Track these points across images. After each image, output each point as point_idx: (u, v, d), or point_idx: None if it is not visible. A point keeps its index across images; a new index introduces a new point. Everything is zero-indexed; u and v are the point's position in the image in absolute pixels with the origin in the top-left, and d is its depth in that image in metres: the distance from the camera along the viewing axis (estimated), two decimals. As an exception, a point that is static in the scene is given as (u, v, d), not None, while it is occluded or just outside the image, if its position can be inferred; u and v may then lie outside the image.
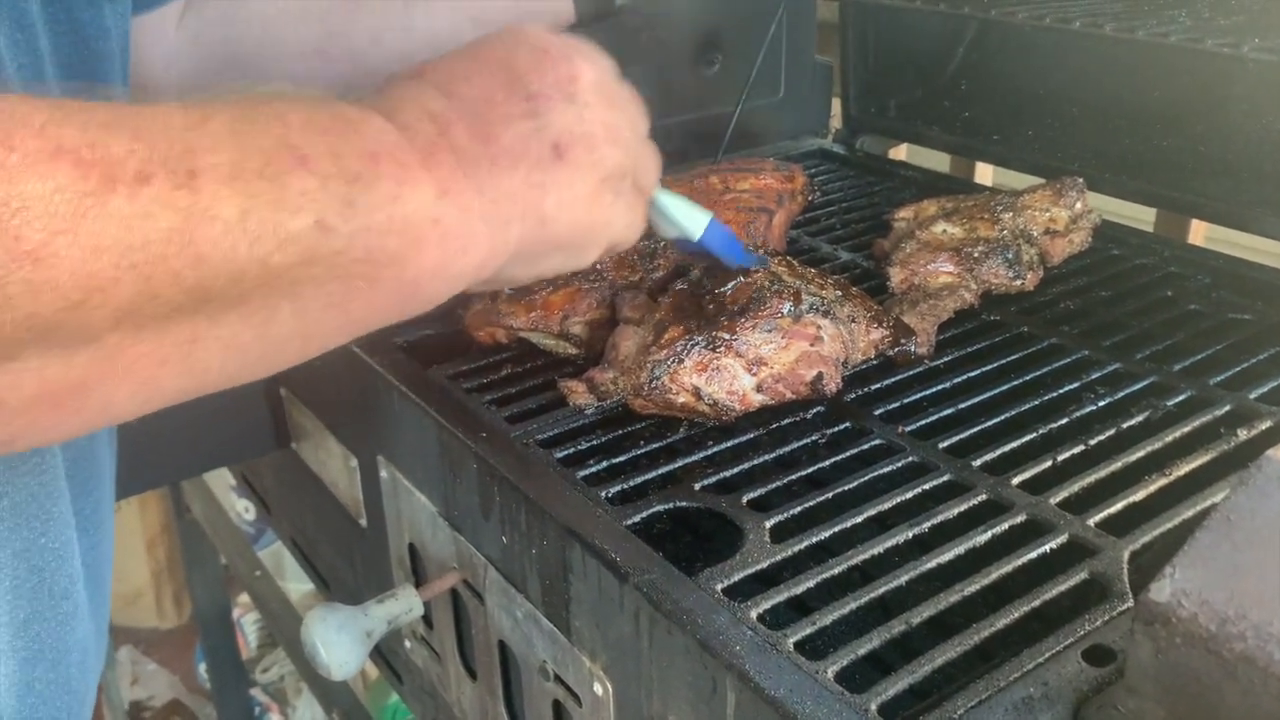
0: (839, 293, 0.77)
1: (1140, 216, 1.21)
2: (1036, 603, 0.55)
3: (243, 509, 1.99)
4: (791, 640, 0.52)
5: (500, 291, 0.83)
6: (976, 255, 0.85)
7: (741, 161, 1.03)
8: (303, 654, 1.18)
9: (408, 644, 0.91)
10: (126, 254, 0.36)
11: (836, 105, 1.34)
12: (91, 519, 0.61)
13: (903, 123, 1.26)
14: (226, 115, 0.41)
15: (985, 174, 1.43)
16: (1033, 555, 0.59)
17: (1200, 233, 1.30)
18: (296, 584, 1.96)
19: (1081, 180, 0.93)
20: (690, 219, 0.69)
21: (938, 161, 1.47)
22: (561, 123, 0.52)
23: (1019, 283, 0.86)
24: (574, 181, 0.53)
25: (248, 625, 2.04)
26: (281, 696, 1.97)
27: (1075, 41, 0.84)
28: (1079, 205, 0.91)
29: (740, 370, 0.70)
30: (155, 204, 0.37)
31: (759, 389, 0.71)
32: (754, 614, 0.54)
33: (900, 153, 1.47)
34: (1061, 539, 0.60)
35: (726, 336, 0.70)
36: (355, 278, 0.44)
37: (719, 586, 0.56)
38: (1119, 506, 0.62)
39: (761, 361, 0.71)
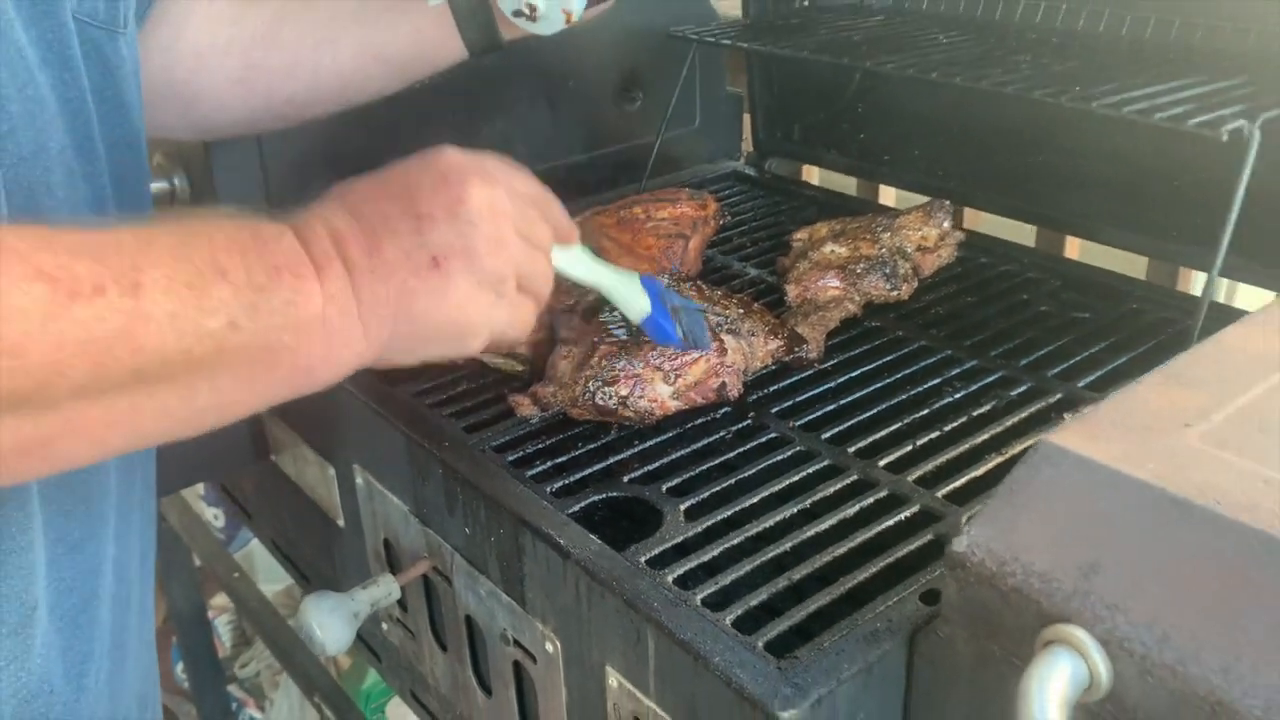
0: (740, 311, 0.91)
1: (1028, 229, 1.36)
2: (891, 559, 0.70)
3: (212, 517, 2.10)
4: (699, 597, 0.67)
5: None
6: (859, 271, 1.00)
7: (660, 192, 1.17)
8: (280, 645, 1.32)
9: (385, 626, 1.04)
10: (83, 346, 0.48)
11: (749, 130, 1.49)
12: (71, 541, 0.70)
13: (805, 146, 1.41)
14: (169, 238, 0.53)
15: (889, 192, 1.59)
16: (891, 522, 0.74)
17: (1076, 244, 1.45)
18: (267, 585, 2.07)
19: (948, 203, 1.09)
20: (631, 309, 0.82)
21: (848, 181, 1.62)
22: (442, 240, 0.62)
23: (896, 293, 1.01)
24: (446, 288, 0.62)
25: (221, 626, 2.15)
26: (258, 691, 2.08)
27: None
28: (946, 224, 1.06)
29: (659, 382, 0.85)
30: (107, 309, 0.48)
31: (675, 396, 0.85)
32: (670, 578, 0.69)
33: (813, 173, 1.62)
34: (915, 508, 0.75)
35: (646, 354, 0.84)
36: (258, 363, 0.56)
37: (643, 559, 0.71)
38: (963, 481, 0.77)
39: (676, 373, 0.85)
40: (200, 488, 2.09)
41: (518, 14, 0.87)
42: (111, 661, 0.73)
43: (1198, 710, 0.48)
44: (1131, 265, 1.27)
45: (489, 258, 0.64)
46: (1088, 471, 0.56)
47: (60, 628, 0.67)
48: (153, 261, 0.51)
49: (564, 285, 0.98)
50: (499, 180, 0.66)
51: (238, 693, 2.08)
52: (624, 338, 0.86)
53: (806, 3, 1.34)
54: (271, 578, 1.98)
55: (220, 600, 2.17)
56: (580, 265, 0.78)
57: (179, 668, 1.96)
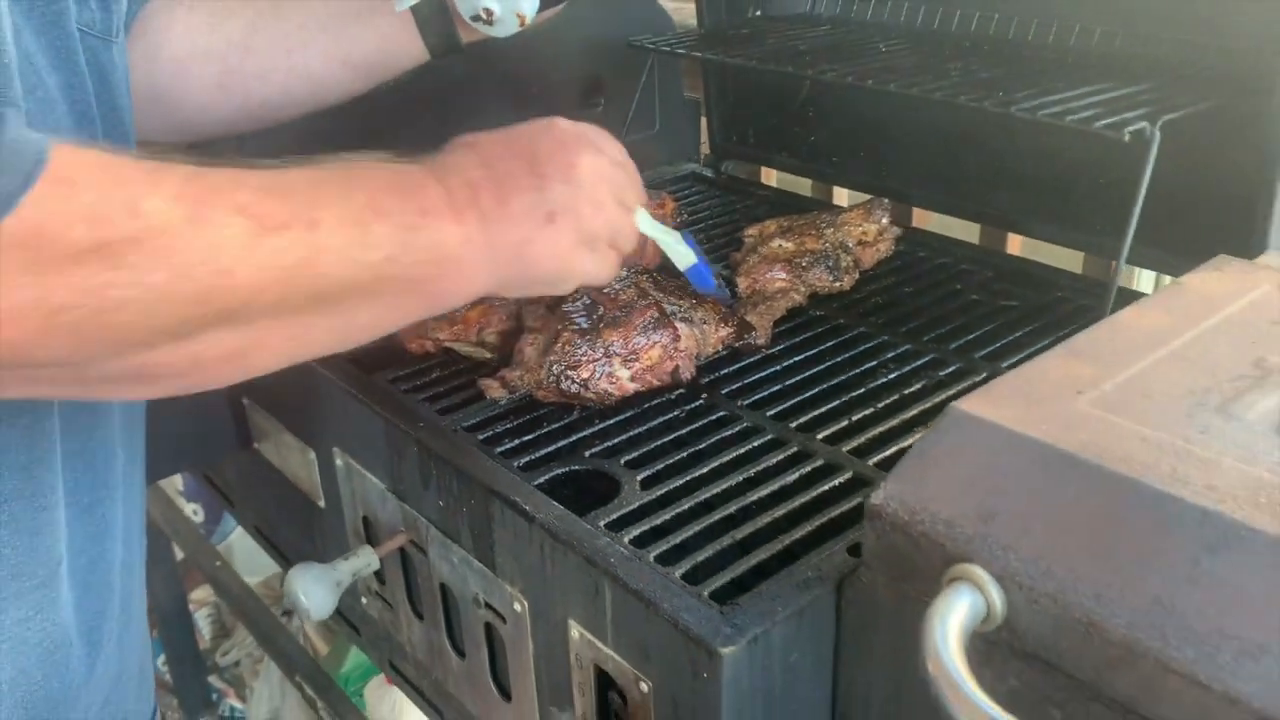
0: (693, 300, 0.99)
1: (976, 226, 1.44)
2: (825, 519, 0.77)
3: (191, 512, 2.16)
4: (652, 555, 0.74)
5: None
6: (805, 264, 1.08)
7: (621, 191, 1.24)
8: (261, 630, 1.39)
9: (364, 600, 1.10)
10: (274, 271, 0.58)
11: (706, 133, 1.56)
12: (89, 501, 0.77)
13: (759, 149, 1.48)
14: (334, 182, 0.64)
15: (842, 192, 1.66)
16: (826, 488, 0.81)
17: (1018, 240, 1.53)
18: (246, 577, 2.12)
19: (886, 201, 1.17)
20: (682, 260, 0.94)
21: (805, 181, 1.69)
22: (557, 198, 0.73)
23: (838, 284, 1.09)
24: (557, 241, 0.74)
25: (200, 619, 2.20)
26: (238, 682, 2.13)
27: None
28: (884, 220, 1.15)
29: (618, 365, 0.92)
30: (292, 241, 0.59)
31: (633, 379, 0.92)
32: (626, 539, 0.76)
33: (771, 174, 1.70)
34: (848, 475, 0.83)
35: (606, 341, 0.92)
36: (405, 292, 0.67)
37: (602, 522, 0.78)
38: (891, 451, 0.85)
39: (634, 358, 0.92)
40: (179, 483, 2.14)
41: (475, 18, 0.93)
42: (120, 624, 0.79)
43: (1074, 630, 0.56)
44: (1074, 259, 1.35)
45: (591, 218, 0.76)
46: (988, 433, 0.64)
47: (75, 586, 0.73)
48: (325, 202, 0.62)
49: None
50: (604, 149, 0.79)
51: (218, 683, 2.13)
52: (585, 326, 0.94)
53: (758, 12, 1.42)
54: (250, 570, 2.03)
55: (199, 594, 2.23)
56: (646, 223, 0.87)
57: (160, 660, 2.01)
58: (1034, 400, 0.66)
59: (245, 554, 2.13)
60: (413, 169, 0.70)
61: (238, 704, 2.13)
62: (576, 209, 0.75)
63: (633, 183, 0.82)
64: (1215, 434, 0.62)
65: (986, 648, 0.61)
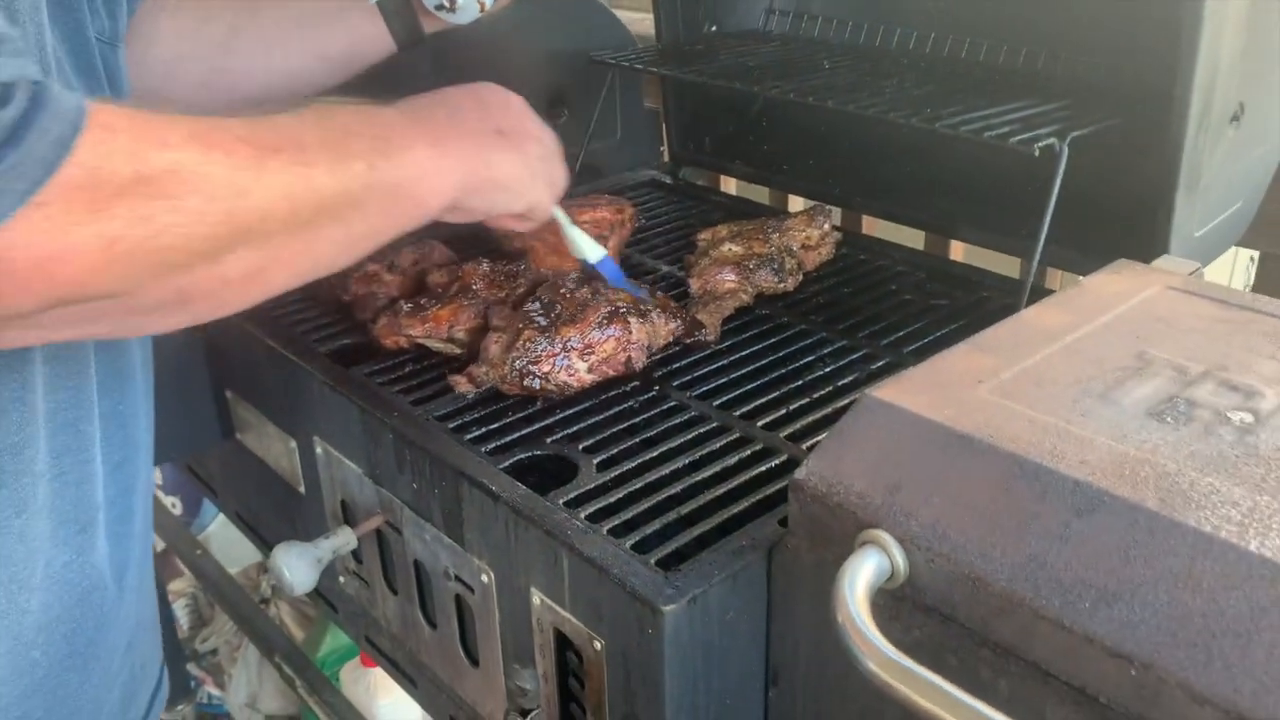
0: (643, 296, 1.07)
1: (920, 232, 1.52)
2: (761, 496, 0.86)
3: (170, 504, 2.22)
4: (605, 528, 0.82)
5: (400, 308, 1.11)
6: (752, 267, 1.17)
7: (583, 199, 1.32)
8: (241, 614, 1.47)
9: (342, 579, 1.18)
10: (281, 187, 0.67)
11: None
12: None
13: (716, 157, 1.57)
14: (310, 115, 0.74)
15: (796, 199, 1.75)
16: (763, 469, 0.90)
17: (960, 246, 1.62)
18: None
19: (828, 208, 1.26)
20: (592, 250, 1.08)
21: (762, 189, 1.78)
22: (504, 121, 0.91)
23: (783, 285, 1.18)
24: (508, 149, 0.90)
25: (178, 609, 2.27)
26: (216, 670, 2.20)
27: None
28: (826, 226, 1.24)
29: (575, 359, 1.00)
30: (289, 162, 0.68)
31: (590, 370, 1.01)
32: (583, 515, 0.84)
33: (731, 181, 1.78)
34: (783, 458, 0.91)
35: (564, 336, 1.00)
36: (390, 196, 0.78)
37: (561, 501, 0.86)
38: (822, 436, 0.93)
39: (590, 351, 1.01)
40: (159, 477, 2.21)
41: (439, 7, 1.02)
42: (139, 574, 0.88)
43: (964, 584, 0.65)
44: (1012, 263, 1.44)
45: (533, 142, 0.94)
46: (896, 417, 0.73)
47: (109, 536, 0.82)
48: (306, 130, 0.72)
49: (497, 281, 1.14)
50: (539, 127, 0.98)
51: (196, 671, 2.20)
52: (544, 324, 1.02)
53: (713, 28, 1.51)
54: (227, 562, 2.09)
55: (176, 585, 2.29)
56: (560, 213, 1.03)
57: (140, 647, 2.07)
58: (939, 388, 0.75)
59: (222, 546, 2.20)
60: (374, 105, 0.81)
61: (215, 691, 2.20)
62: (521, 132, 0.92)
63: (560, 158, 1.00)
64: (1094, 417, 0.71)
65: (894, 604, 0.70)
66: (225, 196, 0.64)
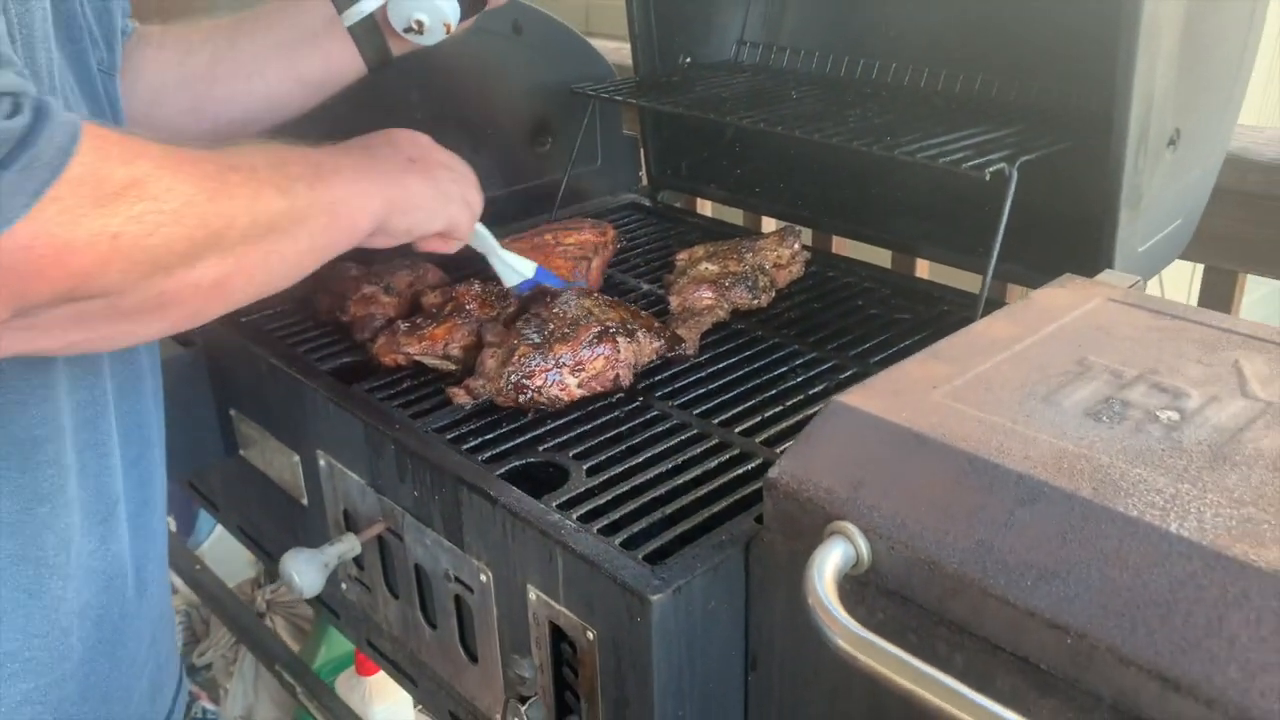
0: (629, 316, 1.15)
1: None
2: (738, 496, 0.93)
3: (171, 524, 2.27)
4: (596, 528, 0.89)
5: (398, 327, 1.18)
6: (728, 284, 1.25)
7: (567, 221, 1.40)
8: (241, 625, 1.52)
9: (344, 586, 1.24)
10: (242, 201, 0.76)
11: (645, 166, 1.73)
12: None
13: (692, 180, 1.65)
14: (248, 146, 0.83)
15: (770, 220, 1.83)
16: (740, 471, 0.98)
17: (926, 264, 1.70)
18: (218, 583, 2.24)
19: (798, 228, 1.34)
20: (525, 265, 1.12)
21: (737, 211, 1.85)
22: (413, 153, 1.01)
23: (757, 302, 1.26)
24: (419, 174, 0.99)
25: (173, 626, 2.32)
26: (211, 685, 2.25)
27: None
28: (796, 246, 1.32)
29: (567, 375, 1.08)
30: (243, 180, 0.77)
31: (580, 386, 1.08)
32: (575, 516, 0.91)
33: (706, 204, 1.86)
34: (759, 461, 0.99)
35: (556, 353, 1.07)
36: (327, 215, 0.86)
37: (554, 504, 0.93)
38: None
39: (580, 368, 1.08)
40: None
41: (408, 30, 1.09)
42: (159, 569, 0.95)
43: (921, 568, 0.72)
44: (974, 279, 1.52)
45: (442, 170, 1.03)
46: (860, 419, 0.80)
47: (130, 528, 0.89)
48: (254, 156, 0.81)
49: (490, 301, 1.21)
50: (447, 154, 1.07)
51: (191, 686, 2.25)
52: (538, 341, 1.09)
53: (687, 60, 1.59)
54: (223, 575, 2.15)
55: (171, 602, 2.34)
56: (481, 231, 1.11)
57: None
58: (898, 393, 0.83)
59: (215, 563, 2.25)
60: (304, 147, 0.89)
61: (210, 706, 2.25)
62: (429, 160, 1.02)
63: (474, 183, 1.08)
64: (1037, 417, 0.78)
65: (859, 589, 0.77)
66: (198, 202, 0.71)
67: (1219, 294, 1.47)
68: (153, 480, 0.96)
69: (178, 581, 2.01)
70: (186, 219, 0.70)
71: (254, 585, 2.23)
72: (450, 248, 1.09)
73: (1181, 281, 2.96)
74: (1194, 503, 0.67)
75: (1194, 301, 1.55)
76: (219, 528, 2.32)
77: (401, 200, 0.96)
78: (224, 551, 2.25)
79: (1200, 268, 1.58)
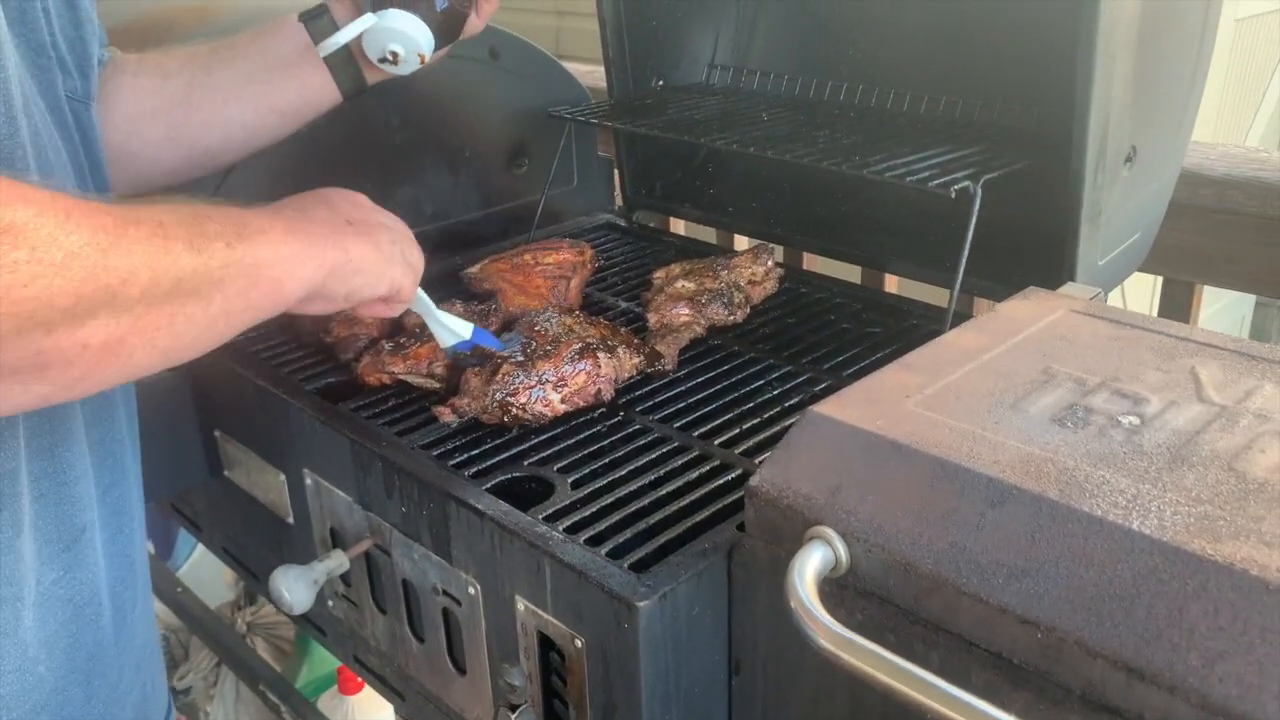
0: (609, 333, 1.18)
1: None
2: (719, 506, 0.96)
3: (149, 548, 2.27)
4: (582, 539, 0.92)
5: (382, 347, 1.21)
6: (704, 301, 1.28)
7: (545, 241, 1.43)
8: (224, 646, 1.54)
9: (330, 604, 1.26)
10: (142, 255, 0.69)
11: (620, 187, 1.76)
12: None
13: (666, 200, 1.69)
14: (162, 204, 0.75)
15: (742, 239, 1.87)
16: (720, 482, 1.00)
17: (894, 278, 1.74)
18: (197, 607, 2.24)
19: (772, 246, 1.38)
20: (462, 327, 1.11)
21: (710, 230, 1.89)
22: (352, 214, 0.94)
23: (733, 318, 1.29)
24: (359, 236, 0.92)
25: (152, 651, 2.31)
26: (191, 709, 2.24)
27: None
28: (770, 263, 1.35)
29: (550, 391, 1.10)
30: (149, 236, 0.70)
31: (563, 401, 1.11)
32: (561, 527, 0.94)
33: (680, 223, 1.90)
34: (738, 471, 1.02)
35: (539, 370, 1.10)
36: (247, 277, 0.79)
37: (541, 516, 0.96)
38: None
39: (563, 384, 1.11)
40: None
41: (383, 60, 1.09)
42: (142, 595, 0.95)
43: (897, 569, 0.76)
44: (942, 293, 1.56)
45: (383, 231, 0.96)
46: (836, 428, 0.84)
47: (106, 554, 0.90)
48: (164, 213, 0.74)
49: (472, 319, 1.24)
50: (387, 215, 1.01)
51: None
52: (521, 359, 1.12)
53: (660, 83, 1.62)
54: (203, 598, 2.16)
55: (150, 627, 2.33)
56: (421, 297, 1.06)
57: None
58: (872, 403, 0.86)
59: (195, 586, 2.25)
60: (237, 208, 0.84)
61: (190, 729, 2.25)
62: (368, 223, 0.95)
63: (414, 243, 1.02)
64: (1005, 424, 0.82)
65: (839, 591, 0.80)
66: (87, 255, 0.65)
67: (1177, 304, 1.52)
68: (129, 507, 0.95)
69: (156, 604, 2.02)
70: (72, 271, 0.65)
71: (234, 608, 2.23)
72: (393, 311, 1.04)
73: (1144, 293, 3.05)
74: (1154, 502, 0.71)
75: (1155, 312, 1.60)
76: (198, 550, 2.33)
77: (341, 264, 0.90)
78: (203, 574, 2.25)
79: (1160, 279, 1.63)
